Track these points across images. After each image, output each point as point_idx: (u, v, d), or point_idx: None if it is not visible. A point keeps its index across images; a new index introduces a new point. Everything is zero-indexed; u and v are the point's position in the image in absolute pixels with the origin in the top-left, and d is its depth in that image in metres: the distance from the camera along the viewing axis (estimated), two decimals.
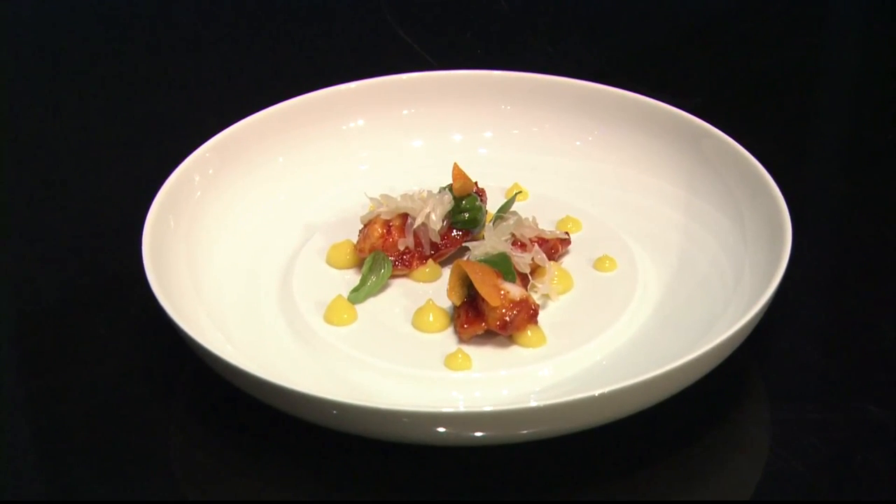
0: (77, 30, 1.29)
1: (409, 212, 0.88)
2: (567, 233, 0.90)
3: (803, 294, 0.87)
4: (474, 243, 0.86)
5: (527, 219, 0.88)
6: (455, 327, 0.82)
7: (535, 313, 0.81)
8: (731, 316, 0.80)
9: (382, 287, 0.87)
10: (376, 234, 0.88)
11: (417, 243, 0.88)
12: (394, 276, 0.87)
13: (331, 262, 0.89)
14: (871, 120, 1.12)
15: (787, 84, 1.17)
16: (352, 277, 0.88)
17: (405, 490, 0.74)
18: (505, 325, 0.80)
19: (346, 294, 0.85)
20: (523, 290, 0.82)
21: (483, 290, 0.80)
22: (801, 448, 0.76)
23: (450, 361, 0.80)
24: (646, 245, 0.90)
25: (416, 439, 0.72)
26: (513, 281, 0.82)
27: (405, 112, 1.02)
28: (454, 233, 0.89)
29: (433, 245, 0.88)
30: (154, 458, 0.77)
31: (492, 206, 0.92)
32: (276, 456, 0.76)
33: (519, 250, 0.85)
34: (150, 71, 1.23)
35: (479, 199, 0.90)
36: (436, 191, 0.90)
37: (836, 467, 0.75)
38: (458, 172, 0.89)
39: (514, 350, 0.81)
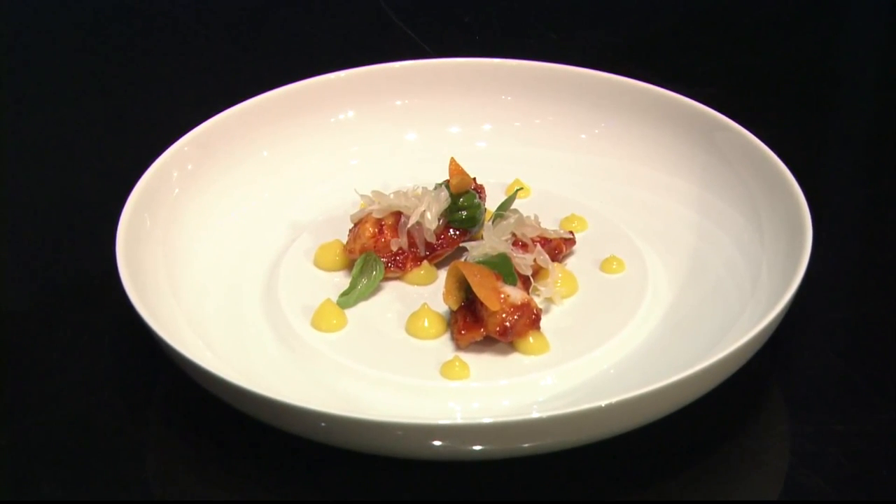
0: (46, 17, 1.29)
1: (402, 210, 0.88)
2: (571, 232, 0.90)
3: (824, 297, 0.88)
4: (472, 244, 0.86)
5: (528, 217, 0.88)
6: (452, 333, 0.82)
7: (538, 318, 0.82)
8: (747, 321, 0.80)
9: (374, 290, 0.87)
10: (367, 234, 0.88)
11: (412, 244, 0.88)
12: (386, 279, 0.87)
13: (319, 264, 0.89)
14: None
15: (808, 73, 1.18)
16: (341, 280, 0.88)
17: None
18: (505, 331, 0.80)
19: (335, 298, 0.85)
20: (525, 294, 0.82)
21: (482, 293, 0.80)
22: (823, 462, 0.76)
23: (446, 370, 0.80)
24: (656, 245, 0.90)
25: (410, 453, 0.72)
26: (514, 284, 0.82)
27: (398, 103, 1.02)
28: (451, 232, 0.89)
29: (428, 245, 0.88)
30: (129, 473, 0.77)
31: (491, 204, 0.92)
32: (260, 471, 0.76)
33: (520, 251, 0.85)
34: (124, 59, 1.23)
35: (477, 196, 0.90)
36: (431, 187, 0.90)
37: (859, 483, 0.75)
38: (455, 168, 0.89)
39: (515, 358, 0.81)
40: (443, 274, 0.87)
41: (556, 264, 0.87)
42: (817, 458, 0.76)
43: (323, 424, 0.71)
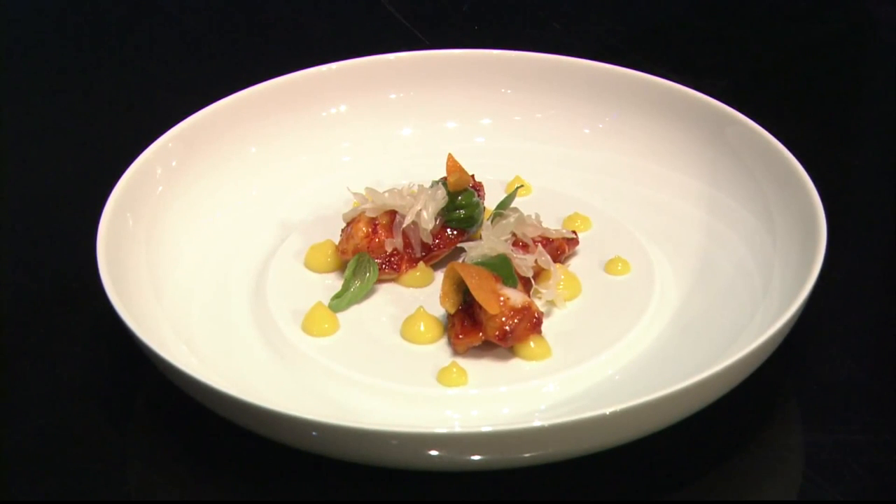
0: (22, 9, 1.29)
1: (397, 209, 0.88)
2: (574, 232, 0.90)
3: (840, 300, 0.88)
4: (471, 244, 0.86)
5: (529, 216, 0.88)
6: (449, 338, 0.83)
7: (539, 322, 0.82)
8: (758, 325, 0.80)
9: (367, 293, 0.87)
10: (361, 234, 0.88)
11: (407, 244, 0.88)
12: (380, 281, 0.88)
13: (310, 266, 0.89)
14: None
15: (824, 65, 1.18)
16: (333, 282, 0.88)
17: None
18: (505, 336, 0.81)
19: (326, 301, 0.86)
20: (525, 297, 0.82)
21: (480, 296, 0.80)
22: (839, 474, 0.76)
23: (443, 376, 0.80)
24: (663, 245, 0.90)
25: (405, 464, 0.73)
26: (514, 286, 0.83)
27: (393, 96, 1.02)
28: (448, 232, 0.89)
29: (424, 246, 0.89)
30: (110, 482, 0.77)
31: (490, 203, 0.92)
32: (248, 482, 0.76)
33: (520, 251, 0.86)
34: (106, 49, 1.23)
35: (476, 194, 0.90)
36: (427, 185, 0.91)
37: (878, 496, 0.75)
38: (452, 164, 0.89)
39: (516, 363, 0.82)
40: (439, 276, 0.87)
41: (558, 265, 0.87)
42: (834, 470, 0.76)
43: (314, 433, 0.71)
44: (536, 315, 0.81)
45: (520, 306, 0.81)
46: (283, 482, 0.76)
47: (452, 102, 1.02)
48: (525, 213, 0.88)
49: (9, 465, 0.78)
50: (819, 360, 0.84)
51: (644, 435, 0.74)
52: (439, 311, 0.84)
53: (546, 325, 0.83)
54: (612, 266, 0.88)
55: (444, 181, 0.90)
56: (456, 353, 0.82)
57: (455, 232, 0.89)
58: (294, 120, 1.00)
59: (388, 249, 0.88)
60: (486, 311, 0.80)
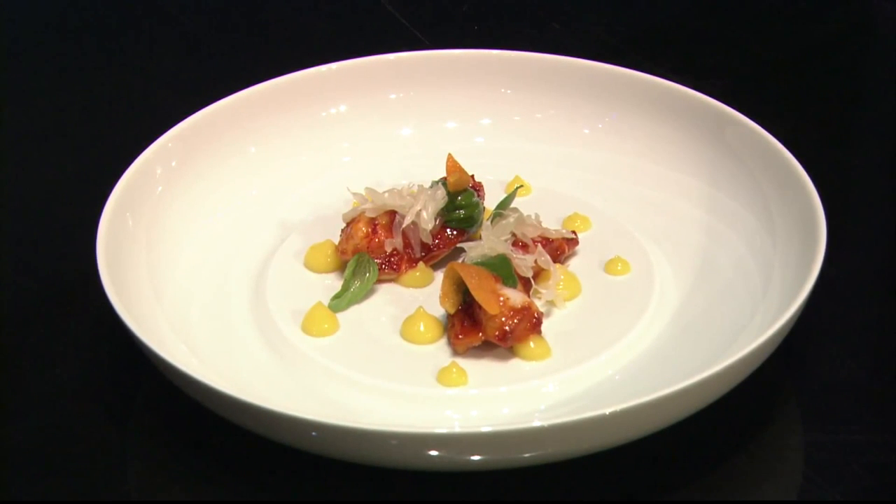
0: (22, 9, 1.29)
1: (397, 209, 0.89)
2: (574, 232, 0.90)
3: (839, 300, 0.88)
4: (470, 244, 0.87)
5: (529, 216, 0.88)
6: (449, 338, 0.83)
7: (539, 322, 0.82)
8: (758, 325, 0.80)
9: (367, 293, 0.87)
10: (360, 234, 0.88)
11: (406, 244, 0.88)
12: (380, 281, 0.88)
13: (309, 266, 0.90)
14: None
15: (823, 64, 1.18)
16: (333, 282, 0.88)
17: None
18: (505, 336, 0.81)
19: (326, 301, 0.86)
20: (525, 297, 0.82)
21: (480, 296, 0.80)
22: (839, 474, 0.76)
23: (443, 376, 0.80)
24: (663, 245, 0.90)
25: (405, 464, 0.73)
26: (513, 286, 0.83)
27: (393, 96, 1.02)
28: (448, 232, 0.89)
29: (424, 246, 0.89)
30: (110, 485, 0.77)
31: (490, 203, 0.92)
32: (249, 483, 0.76)
33: (520, 252, 0.86)
34: (105, 49, 1.23)
35: (475, 194, 0.90)
36: (427, 185, 0.91)
37: (878, 497, 0.75)
38: (452, 165, 0.90)
39: (515, 364, 0.82)
40: (439, 276, 0.87)
41: (557, 265, 0.87)
42: (834, 470, 0.76)
43: (314, 434, 0.71)
44: (536, 315, 0.81)
45: (519, 306, 0.81)
46: (283, 482, 0.76)
47: (452, 102, 1.02)
48: (525, 213, 0.88)
49: (9, 465, 0.78)
50: (819, 360, 0.84)
51: (644, 435, 0.74)
52: (439, 311, 0.84)
53: (546, 325, 0.83)
54: (611, 266, 0.88)
55: (443, 181, 0.90)
56: (456, 353, 0.82)
57: (455, 232, 0.89)
58: (294, 120, 1.00)
59: (388, 249, 0.88)
60: (485, 311, 0.80)
